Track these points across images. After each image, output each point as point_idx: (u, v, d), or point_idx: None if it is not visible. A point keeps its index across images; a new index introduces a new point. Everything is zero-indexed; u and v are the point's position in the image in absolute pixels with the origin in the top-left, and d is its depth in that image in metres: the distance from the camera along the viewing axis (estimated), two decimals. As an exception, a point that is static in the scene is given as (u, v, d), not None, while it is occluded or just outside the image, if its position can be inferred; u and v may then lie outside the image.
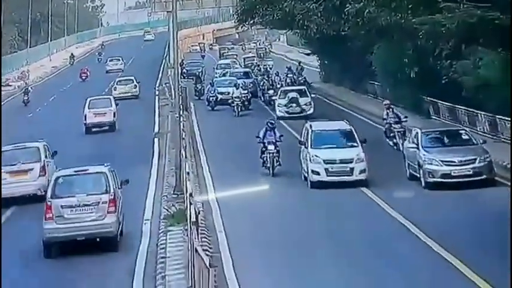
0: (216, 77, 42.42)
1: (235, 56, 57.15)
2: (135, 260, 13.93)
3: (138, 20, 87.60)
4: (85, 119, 31.85)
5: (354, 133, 18.56)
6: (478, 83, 21.85)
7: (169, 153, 23.96)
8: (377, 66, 29.91)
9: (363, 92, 33.69)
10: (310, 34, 34.62)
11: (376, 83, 32.25)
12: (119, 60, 61.69)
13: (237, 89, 33.62)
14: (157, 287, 12.19)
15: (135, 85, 45.06)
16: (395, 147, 22.35)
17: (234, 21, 42.42)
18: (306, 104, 30.87)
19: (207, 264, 9.59)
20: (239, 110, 32.48)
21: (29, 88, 45.37)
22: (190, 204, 14.28)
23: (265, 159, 19.79)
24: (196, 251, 10.53)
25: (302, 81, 38.63)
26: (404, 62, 25.41)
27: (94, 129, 31.65)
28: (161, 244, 14.61)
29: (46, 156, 20.98)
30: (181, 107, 24.60)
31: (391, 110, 23.11)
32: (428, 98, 26.51)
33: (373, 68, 30.65)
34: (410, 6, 18.27)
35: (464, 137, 18.80)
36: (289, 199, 18.92)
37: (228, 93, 34.79)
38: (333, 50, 36.35)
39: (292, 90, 32.09)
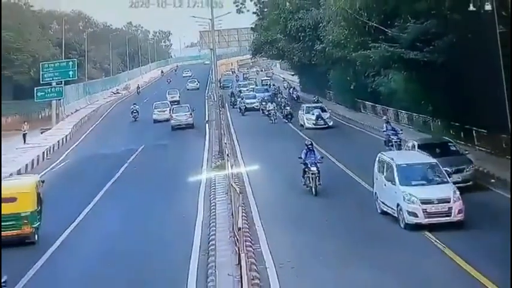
0: (241, 90, 51.15)
1: (255, 78, 66.99)
2: (199, 184, 19.79)
3: (193, 54, 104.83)
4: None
5: (440, 166, 15.08)
6: (389, 91, 30.47)
7: (214, 132, 30.17)
8: (332, 82, 40.22)
9: (324, 97, 43.73)
10: (293, 63, 51.61)
11: (331, 91, 42.57)
12: (189, 71, 75.51)
13: (271, 104, 38.15)
14: (211, 201, 16.99)
15: (198, 84, 57.07)
16: None
17: (250, 55, 60.79)
18: (327, 118, 33.00)
19: (238, 191, 14.03)
20: (274, 118, 35.78)
21: (140, 89, 56.04)
22: (228, 160, 20.48)
23: (307, 179, 17.89)
24: (232, 185, 15.48)
25: (296, 96, 46.21)
26: (347, 79, 35.38)
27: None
28: (212, 182, 19.80)
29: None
30: (220, 106, 32.09)
31: (388, 124, 23.99)
32: (360, 100, 35.30)
33: (330, 83, 40.71)
34: (351, 46, 27.17)
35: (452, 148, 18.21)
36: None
37: (252, 103, 42.51)
38: (307, 72, 48.75)
39: (315, 108, 34.27)
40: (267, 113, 37.38)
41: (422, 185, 14.90)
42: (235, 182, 16.39)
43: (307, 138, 21.06)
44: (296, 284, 10.60)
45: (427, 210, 14.06)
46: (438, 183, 14.86)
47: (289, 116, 35.56)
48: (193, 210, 16.07)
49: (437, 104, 23.39)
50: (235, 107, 44.01)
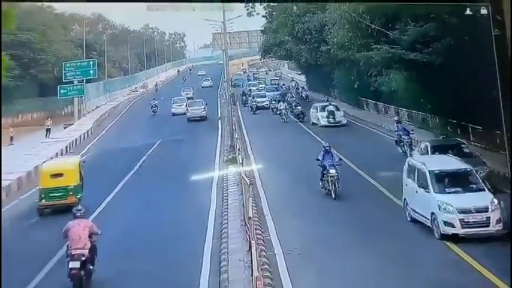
0: (251, 89, 49.73)
1: (264, 78, 66.35)
2: (211, 181, 19.47)
3: (206, 54, 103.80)
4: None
5: (475, 173, 14.16)
6: (390, 90, 29.75)
7: (226, 128, 29.91)
8: (337, 81, 40.20)
9: (329, 95, 43.68)
10: (300, 63, 48.23)
11: (336, 90, 42.72)
12: (203, 70, 75.33)
13: (283, 103, 35.97)
14: (223, 192, 17.09)
15: (211, 82, 57.15)
16: (404, 154, 21.55)
17: (259, 56, 60.72)
18: (341, 116, 31.71)
19: (248, 183, 14.65)
20: (286, 117, 33.78)
21: (158, 86, 56.53)
22: (239, 154, 20.96)
23: (325, 182, 16.70)
24: (243, 177, 16.00)
25: (305, 95, 46.04)
26: (351, 79, 35.25)
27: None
28: (224, 174, 19.68)
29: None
30: (231, 103, 32.21)
31: (399, 123, 23.37)
32: (363, 98, 35.19)
33: (335, 82, 40.80)
34: (355, 48, 27.00)
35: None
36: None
37: (263, 101, 40.06)
38: (313, 71, 48.84)
39: (329, 105, 33.11)
40: (278, 112, 35.23)
41: (458, 192, 13.74)
42: (245, 175, 16.61)
43: (317, 137, 22.45)
44: (303, 269, 10.72)
45: (465, 220, 13.02)
46: (474, 191, 13.71)
47: (301, 116, 33.54)
48: (206, 200, 16.22)
49: (435, 102, 23.48)
50: (246, 105, 41.67)
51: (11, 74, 38.15)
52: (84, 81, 41.29)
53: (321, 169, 17.20)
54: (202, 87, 55.53)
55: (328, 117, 31.55)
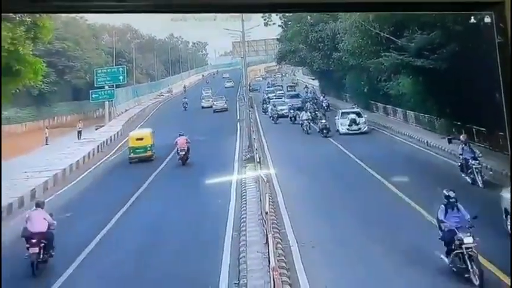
0: (269, 96, 46.78)
1: (281, 85, 64.87)
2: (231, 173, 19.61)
3: (226, 61, 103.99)
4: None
5: None
6: (398, 93, 29.38)
7: (244, 129, 29.63)
8: (348, 86, 39.84)
9: (341, 99, 43.30)
10: (314, 69, 47.61)
11: (347, 94, 42.43)
12: (227, 74, 76.02)
13: (305, 112, 31.62)
14: (242, 189, 17.06)
15: (233, 83, 58.00)
16: (473, 183, 16.88)
17: (275, 62, 60.85)
18: (363, 123, 28.82)
19: (265, 180, 15.23)
20: (308, 128, 29.32)
21: (186, 88, 57.20)
22: (256, 153, 21.01)
23: (456, 260, 10.58)
24: (259, 176, 16.59)
25: (326, 105, 44.25)
26: (362, 83, 34.87)
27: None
28: (243, 172, 19.59)
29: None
30: (249, 106, 32.17)
31: (467, 145, 18.47)
32: (372, 102, 34.83)
33: (346, 87, 40.58)
34: (365, 55, 26.87)
35: None
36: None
37: (283, 110, 35.34)
38: (326, 77, 48.57)
39: (351, 113, 29.74)
40: (300, 122, 30.36)
41: None
42: (263, 173, 16.79)
43: (340, 146, 21.22)
44: (316, 260, 10.65)
45: None
46: None
47: (325, 130, 28.14)
48: (226, 195, 16.31)
49: (441, 105, 23.31)
50: (266, 113, 37.70)
51: (48, 80, 38.54)
52: (114, 86, 41.67)
53: (444, 235, 10.87)
54: (226, 87, 56.40)
55: (350, 124, 28.62)
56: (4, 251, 9.54)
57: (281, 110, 35.81)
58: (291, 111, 33.82)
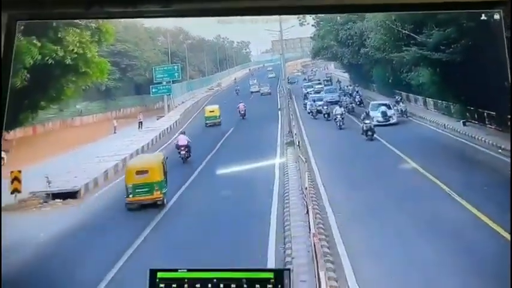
0: (309, 91, 40.94)
1: (318, 79, 62.81)
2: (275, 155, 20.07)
3: (267, 58, 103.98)
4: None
5: None
6: (418, 83, 29.05)
7: (285, 117, 30.44)
8: (375, 77, 39.27)
9: (369, 89, 42.67)
10: (344, 63, 47.16)
11: (374, 85, 41.91)
12: (271, 67, 76.35)
13: (340, 107, 28.37)
14: (284, 168, 17.12)
15: (275, 74, 58.34)
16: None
17: (310, 58, 60.57)
18: (393, 115, 26.81)
19: (304, 161, 15.66)
20: (341, 124, 26.26)
21: (236, 80, 58.28)
22: (295, 137, 21.41)
23: None
24: (299, 156, 16.91)
25: (358, 100, 41.14)
26: (386, 75, 34.22)
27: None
28: (285, 153, 20.11)
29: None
30: (288, 97, 32.47)
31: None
32: (397, 91, 34.38)
33: (373, 78, 40.12)
34: (389, 49, 26.69)
35: None
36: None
37: (321, 105, 32.02)
38: (355, 70, 47.87)
39: (382, 105, 27.79)
40: (334, 117, 27.13)
41: None
42: (302, 154, 17.07)
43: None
44: (349, 227, 11.05)
45: None
46: None
47: (370, 132, 22.26)
48: (271, 174, 16.51)
49: (456, 93, 23.26)
50: (306, 109, 33.58)
51: (112, 77, 39.63)
52: (171, 82, 42.62)
53: None
54: (269, 77, 56.84)
55: (383, 116, 26.17)
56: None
57: (320, 105, 32.04)
58: (325, 107, 30.20)
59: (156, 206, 14.05)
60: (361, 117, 24.46)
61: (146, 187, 14.18)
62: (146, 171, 14.36)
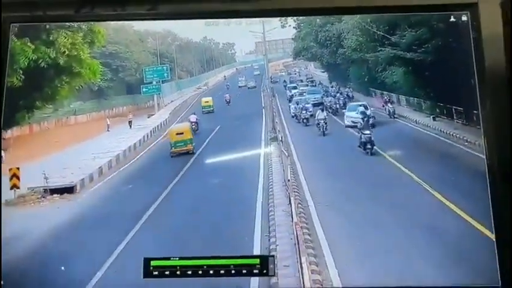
0: (293, 94, 33.94)
1: (300, 79, 61.67)
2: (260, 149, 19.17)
3: (250, 59, 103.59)
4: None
5: None
6: (392, 81, 27.91)
7: (268, 114, 29.43)
8: (351, 76, 39.05)
9: (345, 87, 42.39)
10: (323, 63, 47.50)
11: (351, 83, 41.62)
12: (257, 66, 75.43)
13: (322, 111, 24.51)
14: (268, 161, 17.14)
15: (260, 72, 58.10)
16: None
17: (291, 58, 59.60)
18: (371, 115, 23.40)
19: (287, 155, 16.08)
20: (324, 129, 22.67)
21: (226, 77, 58.04)
22: (278, 133, 21.24)
23: None
24: (282, 151, 17.42)
25: (343, 102, 39.24)
26: (362, 74, 34.09)
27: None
28: (268, 147, 19.74)
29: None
30: (271, 95, 32.30)
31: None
32: (372, 89, 34.39)
33: (350, 77, 39.91)
34: (365, 50, 26.12)
35: None
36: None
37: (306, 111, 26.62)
38: (333, 69, 47.38)
39: (360, 105, 24.92)
40: (316, 121, 23.21)
41: None
42: (284, 149, 17.72)
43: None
44: (330, 216, 11.18)
45: None
46: None
47: (369, 145, 17.97)
48: (256, 166, 16.51)
49: (427, 90, 23.36)
50: (293, 117, 26.79)
51: (105, 77, 39.37)
52: (161, 81, 42.42)
53: None
54: (254, 74, 56.76)
55: (362, 117, 22.52)
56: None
57: (307, 113, 26.31)
58: (304, 112, 25.66)
59: (188, 154, 19.23)
60: (358, 127, 21.09)
61: (183, 142, 20.20)
62: (182, 133, 20.52)
